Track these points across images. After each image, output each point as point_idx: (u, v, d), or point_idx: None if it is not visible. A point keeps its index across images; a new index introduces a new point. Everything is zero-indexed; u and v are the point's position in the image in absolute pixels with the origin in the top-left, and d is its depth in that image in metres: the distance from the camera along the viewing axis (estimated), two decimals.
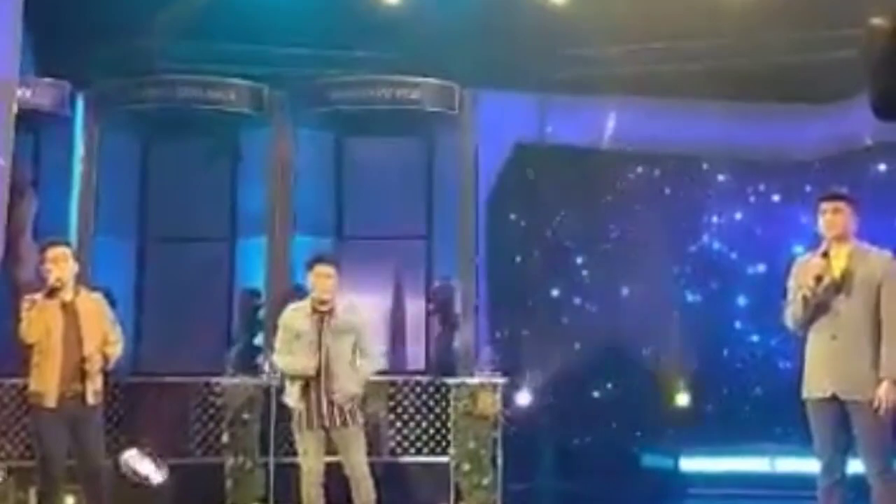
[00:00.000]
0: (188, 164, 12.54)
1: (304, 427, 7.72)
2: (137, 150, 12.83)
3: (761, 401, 13.77)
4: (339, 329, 7.72)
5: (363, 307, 8.24)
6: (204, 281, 12.46)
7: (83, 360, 7.59)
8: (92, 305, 7.86)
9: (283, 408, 10.78)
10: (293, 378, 7.77)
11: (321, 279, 7.80)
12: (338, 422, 7.68)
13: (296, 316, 7.88)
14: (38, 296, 7.67)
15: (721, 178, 14.50)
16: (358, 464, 7.77)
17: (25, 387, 8.14)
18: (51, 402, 7.50)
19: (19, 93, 10.26)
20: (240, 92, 12.41)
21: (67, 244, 8.02)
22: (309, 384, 7.67)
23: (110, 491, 8.13)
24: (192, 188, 12.50)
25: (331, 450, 7.92)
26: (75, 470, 7.81)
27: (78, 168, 12.35)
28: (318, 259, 8.02)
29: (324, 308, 7.76)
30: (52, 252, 7.71)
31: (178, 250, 12.48)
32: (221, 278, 12.58)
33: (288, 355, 7.83)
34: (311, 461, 7.77)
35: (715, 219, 14.60)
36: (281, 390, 8.24)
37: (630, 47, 12.68)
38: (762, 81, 12.74)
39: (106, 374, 7.96)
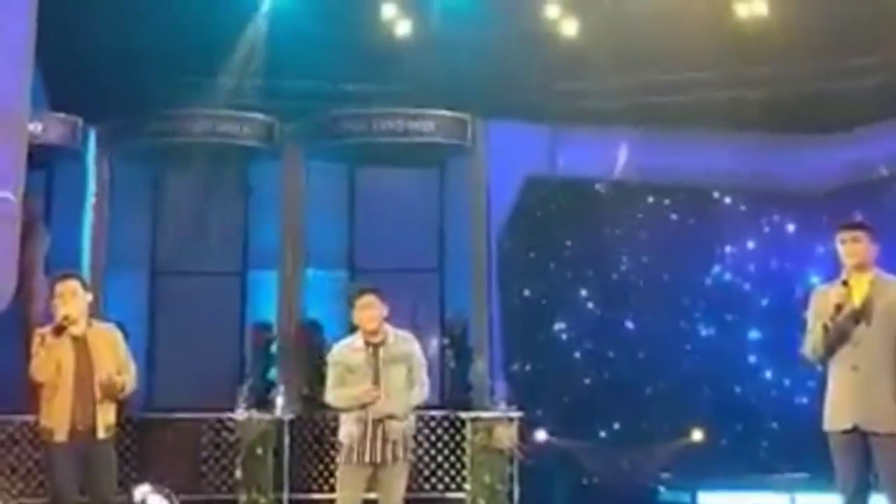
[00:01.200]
0: (199, 198, 12.53)
1: (355, 461, 7.53)
2: (149, 184, 12.85)
3: (777, 435, 13.66)
4: (394, 359, 7.52)
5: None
6: (216, 315, 12.44)
7: (94, 394, 7.50)
8: (105, 338, 7.72)
9: (296, 442, 10.78)
10: (348, 411, 7.58)
11: (365, 310, 7.58)
12: (389, 458, 7.47)
13: (346, 352, 7.68)
14: (48, 330, 7.57)
15: (735, 208, 14.43)
16: (396, 502, 7.60)
17: (37, 423, 8.04)
18: (62, 436, 7.39)
19: (31, 127, 10.27)
20: (251, 125, 12.44)
21: (77, 277, 7.89)
22: (364, 421, 7.49)
23: None
24: (204, 222, 12.49)
25: (369, 487, 7.72)
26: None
27: (90, 202, 12.36)
28: (360, 291, 7.84)
29: (375, 340, 7.58)
30: (61, 287, 7.56)
31: (190, 284, 12.45)
32: (233, 312, 12.54)
33: (340, 388, 7.63)
34: (346, 495, 7.58)
35: (729, 249, 14.54)
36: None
37: (641, 79, 12.67)
38: (776, 112, 12.72)
39: (119, 408, 7.86)
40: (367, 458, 7.41)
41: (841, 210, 12.02)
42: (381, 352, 7.50)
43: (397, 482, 7.50)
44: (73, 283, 7.56)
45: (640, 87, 12.76)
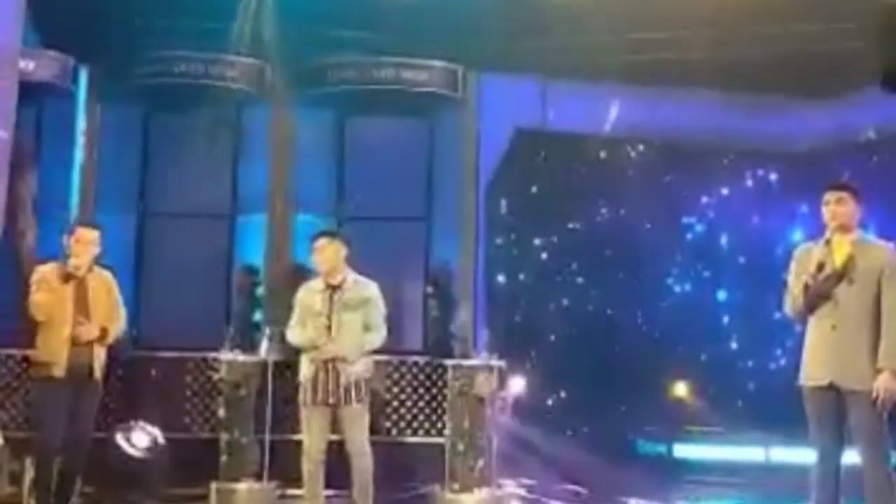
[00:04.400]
0: (190, 140, 12.53)
1: (310, 402, 7.71)
2: (139, 125, 12.81)
3: (753, 395, 13.82)
4: (350, 303, 7.70)
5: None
6: (203, 257, 12.48)
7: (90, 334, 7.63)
8: (103, 283, 7.89)
9: (279, 384, 10.90)
10: (304, 352, 7.78)
11: (318, 252, 7.84)
12: (343, 399, 7.66)
13: (308, 293, 7.90)
14: (50, 269, 7.69)
15: (722, 167, 14.51)
16: (359, 441, 7.76)
17: (24, 358, 8.14)
18: (59, 372, 7.52)
19: (22, 65, 10.26)
20: (242, 69, 12.42)
21: (96, 227, 8.02)
22: (317, 361, 7.65)
23: (106, 465, 8.15)
24: (194, 164, 12.50)
25: (334, 428, 7.90)
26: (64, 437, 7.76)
27: (79, 142, 12.38)
28: (317, 233, 8.07)
29: (333, 282, 7.75)
30: (82, 234, 7.76)
31: (179, 226, 12.48)
32: (221, 255, 12.59)
33: (299, 327, 7.83)
34: (313, 437, 7.75)
35: (714, 208, 14.62)
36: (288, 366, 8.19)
37: (633, 35, 12.66)
38: (766, 72, 12.73)
39: (109, 347, 7.97)
40: (320, 399, 7.61)
41: (828, 171, 12.14)
42: (338, 294, 7.67)
43: (357, 423, 7.73)
44: (94, 234, 7.77)
45: (633, 43, 12.75)
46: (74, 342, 7.57)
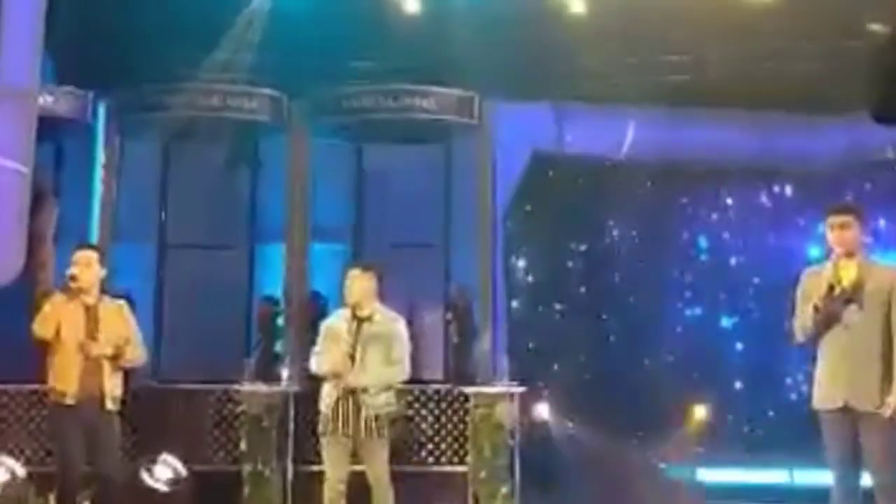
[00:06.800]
0: (208, 172, 12.62)
1: (329, 433, 7.70)
2: (158, 158, 12.91)
3: (773, 421, 13.75)
4: (376, 336, 7.68)
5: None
6: (223, 288, 12.53)
7: (101, 362, 7.64)
8: (113, 310, 7.90)
9: (301, 415, 10.91)
10: (326, 381, 7.77)
11: (348, 282, 7.82)
12: (363, 433, 7.63)
13: (335, 321, 7.89)
14: (56, 293, 7.77)
15: (740, 188, 14.47)
16: (380, 474, 7.74)
17: (45, 393, 8.17)
18: (70, 399, 7.53)
19: (41, 100, 10.35)
20: (259, 101, 12.51)
21: (95, 249, 8.08)
22: (339, 390, 7.64)
23: (128, 498, 8.14)
24: (212, 196, 12.58)
25: (354, 459, 7.87)
26: (91, 475, 7.80)
27: (99, 175, 12.47)
28: (351, 264, 8.10)
29: (361, 314, 7.74)
30: (78, 254, 7.81)
31: (198, 257, 12.55)
32: (240, 285, 12.65)
33: (321, 356, 7.82)
34: (333, 468, 7.74)
35: (732, 228, 14.58)
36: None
37: (648, 58, 12.69)
38: (782, 91, 12.71)
39: (126, 380, 7.98)
40: (340, 430, 7.57)
41: (847, 188, 12.10)
42: (365, 326, 7.67)
43: (376, 456, 7.69)
44: (90, 254, 7.82)
45: (648, 66, 12.77)
46: (85, 359, 7.58)
